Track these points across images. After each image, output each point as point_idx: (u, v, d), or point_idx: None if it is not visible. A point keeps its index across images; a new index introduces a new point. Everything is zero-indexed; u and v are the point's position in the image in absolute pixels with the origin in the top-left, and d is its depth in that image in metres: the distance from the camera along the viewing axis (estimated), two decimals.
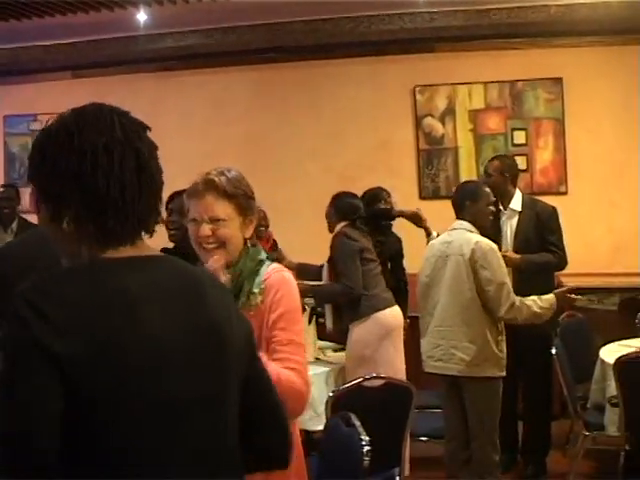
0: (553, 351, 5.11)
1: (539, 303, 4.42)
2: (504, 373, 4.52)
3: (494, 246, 4.48)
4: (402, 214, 5.89)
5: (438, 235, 5.03)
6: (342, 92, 7.91)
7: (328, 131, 7.91)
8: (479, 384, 4.49)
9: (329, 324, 5.34)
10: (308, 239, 6.29)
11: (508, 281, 4.44)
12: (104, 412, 1.42)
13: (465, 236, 4.53)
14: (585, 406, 5.31)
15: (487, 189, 4.73)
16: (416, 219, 5.70)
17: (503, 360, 4.50)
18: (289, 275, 2.59)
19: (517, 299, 4.40)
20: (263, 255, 2.60)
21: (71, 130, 1.55)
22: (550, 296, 4.47)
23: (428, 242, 5.18)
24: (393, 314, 5.23)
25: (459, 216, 4.66)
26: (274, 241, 6.00)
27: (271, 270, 2.55)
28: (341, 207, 5.41)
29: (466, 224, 4.59)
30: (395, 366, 5.01)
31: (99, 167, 1.53)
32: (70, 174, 1.53)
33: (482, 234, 4.57)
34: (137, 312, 1.49)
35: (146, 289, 1.53)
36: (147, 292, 1.52)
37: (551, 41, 7.56)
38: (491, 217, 4.72)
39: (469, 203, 4.59)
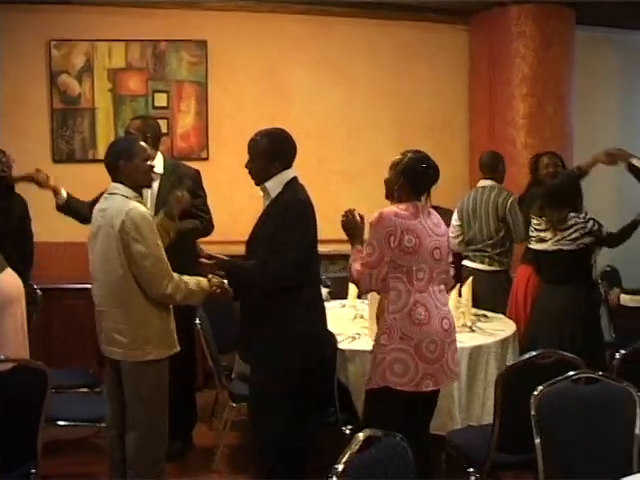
0: (197, 321, 4.89)
1: (193, 281, 4.06)
2: (176, 349, 4.08)
3: (148, 214, 3.97)
4: (18, 179, 5.37)
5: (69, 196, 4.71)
6: None
7: None
8: (140, 369, 3.98)
9: None
10: None
11: (163, 253, 3.96)
12: None
13: (118, 204, 3.96)
14: (230, 377, 5.21)
15: (143, 143, 4.22)
16: (38, 182, 5.21)
17: (172, 337, 4.04)
18: None
19: (175, 275, 3.97)
20: None
21: None
22: (201, 278, 4.11)
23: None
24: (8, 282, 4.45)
25: (115, 179, 4.08)
26: None
27: None
28: None
29: (122, 188, 4.02)
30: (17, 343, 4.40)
31: None
32: None
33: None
34: None
35: None
36: None
37: (197, 2, 7.35)
38: (151, 174, 4.19)
39: (123, 162, 4.02)
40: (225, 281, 4.09)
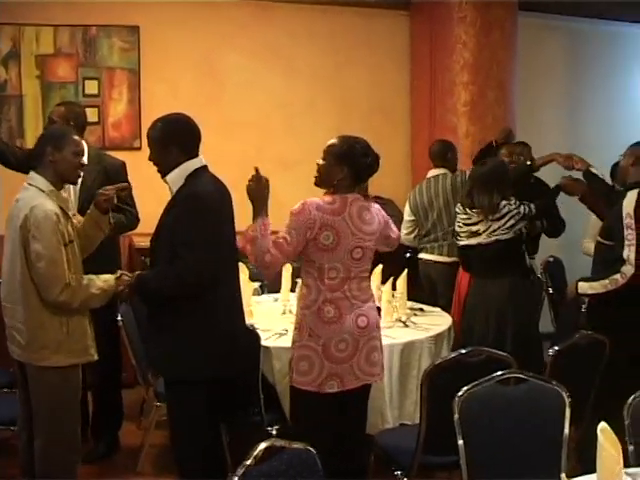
0: (119, 317, 4.68)
1: (98, 283, 3.78)
2: (88, 357, 3.83)
3: (51, 213, 3.64)
4: None
5: None
6: None
7: None
8: (42, 373, 3.73)
9: None
10: None
11: (62, 256, 3.66)
12: None
13: (29, 197, 3.70)
14: (156, 374, 4.98)
15: (78, 138, 3.93)
16: None
17: (79, 344, 3.77)
18: None
19: (73, 278, 3.69)
20: None
21: None
22: (109, 276, 3.87)
23: None
24: None
25: (37, 167, 3.78)
26: None
27: None
28: None
29: (40, 180, 3.74)
30: None
31: None
32: None
33: None
34: None
35: None
36: None
37: None
38: (79, 171, 3.92)
39: (51, 150, 3.73)
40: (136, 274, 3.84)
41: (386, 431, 4.25)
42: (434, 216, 6.18)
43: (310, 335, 3.64)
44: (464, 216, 5.06)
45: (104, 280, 3.79)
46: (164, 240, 3.64)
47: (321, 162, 3.75)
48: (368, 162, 3.73)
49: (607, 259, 4.58)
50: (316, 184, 3.79)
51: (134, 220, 5.08)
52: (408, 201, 6.41)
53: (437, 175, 6.26)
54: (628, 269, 4.36)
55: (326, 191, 3.77)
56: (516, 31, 7.49)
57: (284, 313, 5.15)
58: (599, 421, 2.38)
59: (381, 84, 7.93)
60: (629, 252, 4.35)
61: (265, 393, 4.25)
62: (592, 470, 2.40)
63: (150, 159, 3.75)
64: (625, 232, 4.38)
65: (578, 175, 5.11)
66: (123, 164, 5.11)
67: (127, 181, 5.03)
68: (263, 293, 5.83)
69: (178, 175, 3.66)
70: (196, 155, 3.72)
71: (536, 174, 5.74)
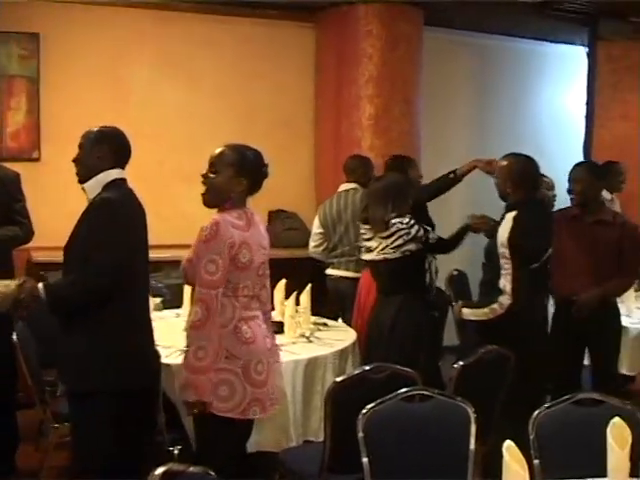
0: (14, 336, 4.49)
1: None
2: None
3: None
4: None
5: None
6: None
7: None
8: None
9: None
10: None
11: None
12: None
13: None
14: (55, 394, 4.80)
15: None
16: None
17: None
18: None
19: None
20: None
21: None
22: (9, 281, 3.68)
23: None
24: None
25: None
26: None
27: None
28: None
29: None
30: None
31: None
32: None
33: None
34: None
35: None
36: None
37: None
38: None
39: None
40: (40, 285, 3.67)
41: (291, 449, 4.17)
42: (341, 230, 6.15)
43: (228, 357, 3.47)
44: (362, 231, 4.99)
45: (5, 285, 3.61)
46: (77, 248, 3.53)
47: (212, 175, 3.55)
48: (265, 171, 3.60)
49: (487, 281, 4.61)
50: (207, 203, 3.57)
51: (29, 233, 4.95)
52: (318, 214, 6.37)
53: (348, 189, 6.23)
54: (505, 299, 4.36)
55: (220, 207, 3.56)
56: (422, 46, 7.55)
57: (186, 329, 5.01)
58: (504, 435, 2.36)
59: (285, 96, 7.87)
60: (505, 282, 4.36)
61: (166, 412, 4.13)
62: None
63: (74, 160, 3.69)
64: (501, 261, 4.38)
65: None
66: (17, 175, 4.97)
67: (22, 193, 4.90)
68: (164, 309, 5.69)
69: (96, 183, 3.59)
70: (121, 167, 3.67)
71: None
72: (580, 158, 8.68)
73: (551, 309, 5.23)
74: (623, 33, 8.48)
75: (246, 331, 3.50)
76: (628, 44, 8.71)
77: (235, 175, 3.51)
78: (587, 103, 8.76)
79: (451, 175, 5.59)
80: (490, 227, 4.85)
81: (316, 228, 6.33)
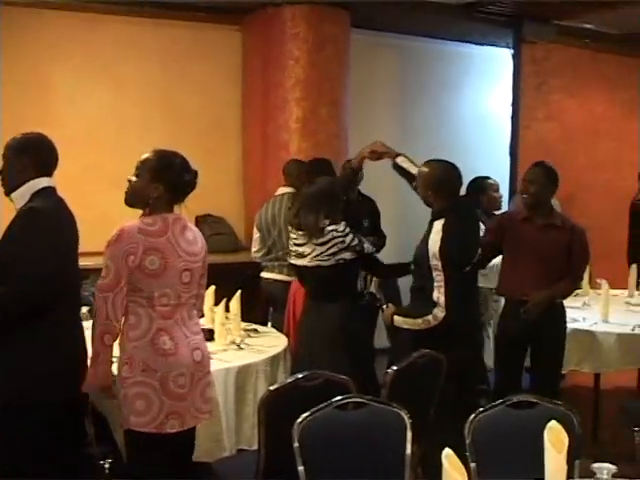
0: None
1: None
2: None
3: None
4: None
5: None
6: None
7: None
8: None
9: None
10: None
11: None
12: None
13: None
14: None
15: None
16: None
17: None
18: None
19: None
20: None
21: None
22: None
23: None
24: None
25: None
26: None
27: None
28: None
29: None
30: None
31: None
32: None
33: None
34: None
35: None
36: None
37: None
38: None
39: None
40: None
41: (225, 459, 4.10)
42: (275, 234, 6.11)
43: (144, 370, 3.39)
44: (294, 235, 4.85)
45: None
46: (3, 259, 3.44)
47: (134, 179, 3.52)
48: (186, 179, 3.53)
49: (416, 287, 4.59)
50: (127, 203, 3.55)
51: None
52: (256, 218, 6.35)
53: (284, 193, 6.20)
54: (439, 312, 4.34)
55: (142, 212, 3.53)
56: (349, 48, 7.53)
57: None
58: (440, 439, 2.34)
59: (213, 100, 7.79)
60: (439, 294, 4.32)
61: (96, 423, 4.02)
62: None
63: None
64: (433, 273, 4.34)
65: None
66: None
67: None
68: (91, 318, 5.55)
69: (24, 192, 3.55)
70: (48, 175, 3.61)
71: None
72: (505, 158, 8.82)
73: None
74: (547, 35, 8.61)
75: (165, 342, 3.42)
76: (551, 46, 8.88)
77: (152, 181, 3.47)
78: (512, 104, 8.89)
79: (348, 167, 5.53)
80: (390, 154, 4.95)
81: (255, 232, 6.31)
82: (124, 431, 3.53)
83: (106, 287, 3.36)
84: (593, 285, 6.12)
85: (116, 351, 3.54)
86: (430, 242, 4.37)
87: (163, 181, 3.47)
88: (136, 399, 3.39)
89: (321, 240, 4.61)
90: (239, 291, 5.12)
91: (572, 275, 4.99)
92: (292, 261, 4.87)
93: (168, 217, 3.50)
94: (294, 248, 4.78)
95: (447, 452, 2.24)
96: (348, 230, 4.64)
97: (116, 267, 3.35)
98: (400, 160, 4.89)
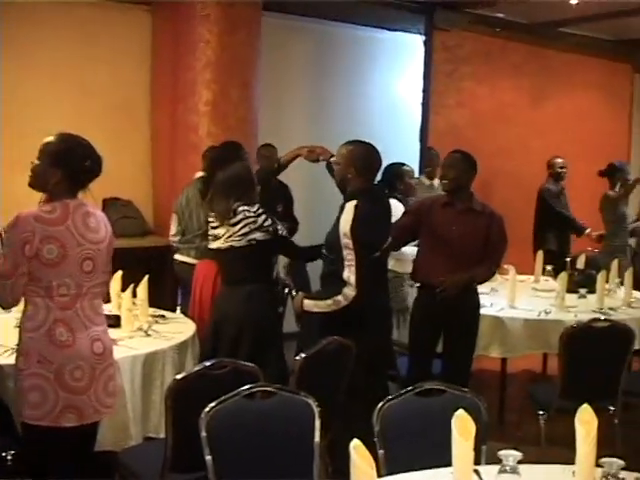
0: None
1: None
2: None
3: None
4: None
5: None
6: None
7: None
8: None
9: None
10: None
11: None
12: None
13: None
14: None
15: None
16: None
17: None
18: None
19: None
20: None
21: None
22: None
23: None
24: None
25: None
26: None
27: None
28: None
29: None
30: None
31: None
32: None
33: None
34: None
35: None
36: None
37: None
38: None
39: None
40: None
41: (131, 449, 4.01)
42: (186, 217, 6.07)
43: (40, 361, 3.28)
44: (211, 219, 4.87)
45: None
46: None
47: (36, 162, 3.38)
48: (87, 165, 3.38)
49: (327, 273, 4.59)
50: (30, 185, 3.41)
51: None
52: (175, 201, 6.29)
53: (199, 177, 6.13)
54: (349, 291, 4.35)
55: (44, 197, 3.38)
56: (260, 30, 7.44)
57: (17, 326, 4.76)
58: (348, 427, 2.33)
59: (121, 81, 7.59)
60: (349, 273, 4.33)
61: None
62: (345, 472, 2.30)
63: None
64: (344, 252, 4.35)
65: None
66: None
67: None
68: None
69: None
70: None
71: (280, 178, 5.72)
72: (415, 144, 8.88)
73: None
74: (458, 23, 8.70)
75: (62, 333, 3.31)
76: (463, 34, 8.97)
77: (51, 165, 3.34)
78: (423, 90, 8.95)
79: (276, 165, 5.54)
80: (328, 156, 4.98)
81: (173, 217, 6.25)
82: (20, 423, 3.42)
83: (4, 274, 3.24)
84: (501, 271, 6.21)
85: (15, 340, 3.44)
86: (342, 221, 4.38)
87: (62, 166, 3.33)
88: (31, 391, 3.28)
89: (233, 221, 4.62)
90: (147, 276, 5.03)
91: (490, 260, 5.05)
92: (210, 245, 4.86)
93: (69, 203, 3.36)
94: (211, 232, 4.80)
95: (355, 443, 2.22)
96: (261, 211, 4.64)
97: (13, 254, 3.23)
98: (334, 160, 4.89)
